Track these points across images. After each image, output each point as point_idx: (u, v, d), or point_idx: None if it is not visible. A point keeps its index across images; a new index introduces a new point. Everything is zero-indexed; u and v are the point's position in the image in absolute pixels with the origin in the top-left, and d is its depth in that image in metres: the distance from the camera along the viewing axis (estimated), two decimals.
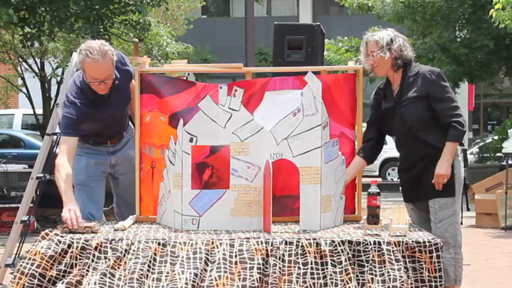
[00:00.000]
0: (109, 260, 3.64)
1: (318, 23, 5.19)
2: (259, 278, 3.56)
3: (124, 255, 3.65)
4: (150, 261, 3.62)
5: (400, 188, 4.55)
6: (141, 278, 3.55)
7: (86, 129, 4.34)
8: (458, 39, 15.05)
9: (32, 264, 3.64)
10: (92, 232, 3.82)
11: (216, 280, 3.55)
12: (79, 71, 4.39)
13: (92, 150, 4.52)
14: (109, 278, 3.58)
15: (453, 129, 4.22)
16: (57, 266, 3.66)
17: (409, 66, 4.34)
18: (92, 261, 3.66)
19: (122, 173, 4.63)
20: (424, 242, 3.72)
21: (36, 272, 3.62)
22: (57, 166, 4.16)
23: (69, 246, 3.68)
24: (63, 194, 4.05)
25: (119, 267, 3.63)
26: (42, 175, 5.65)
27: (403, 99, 4.30)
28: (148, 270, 3.60)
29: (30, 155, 13.58)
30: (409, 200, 4.48)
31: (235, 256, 3.62)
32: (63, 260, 3.67)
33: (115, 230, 3.92)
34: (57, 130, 5.77)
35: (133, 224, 4.14)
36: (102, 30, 10.48)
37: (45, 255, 3.64)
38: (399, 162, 4.54)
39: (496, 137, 15.68)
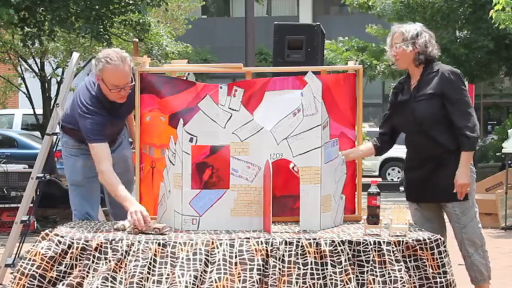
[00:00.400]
0: (109, 261, 3.64)
1: (318, 23, 5.19)
2: (259, 279, 3.56)
3: (124, 257, 3.64)
4: (150, 263, 3.61)
5: (402, 188, 4.54)
6: (141, 281, 3.55)
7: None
8: (458, 40, 15.06)
9: (32, 265, 3.63)
10: (161, 234, 3.80)
11: (216, 282, 3.54)
12: (88, 79, 4.37)
13: (88, 152, 4.50)
14: (111, 282, 3.58)
15: (465, 139, 4.17)
16: (57, 267, 3.65)
17: (431, 64, 4.31)
18: (93, 262, 3.66)
19: (116, 173, 4.60)
20: (424, 240, 3.72)
21: (37, 273, 3.62)
22: (104, 174, 4.16)
23: (69, 246, 3.68)
24: (124, 199, 4.07)
25: (120, 270, 3.63)
26: (42, 175, 5.66)
27: (418, 95, 4.27)
28: (148, 273, 3.59)
29: (23, 155, 13.57)
30: (415, 199, 4.43)
31: (235, 257, 3.62)
32: (63, 261, 3.67)
33: (115, 230, 3.91)
34: (57, 130, 5.77)
35: None
36: (102, 30, 10.49)
37: (46, 256, 3.64)
38: (406, 160, 4.50)
39: (496, 137, 15.67)
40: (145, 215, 3.90)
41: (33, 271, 3.62)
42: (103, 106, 4.26)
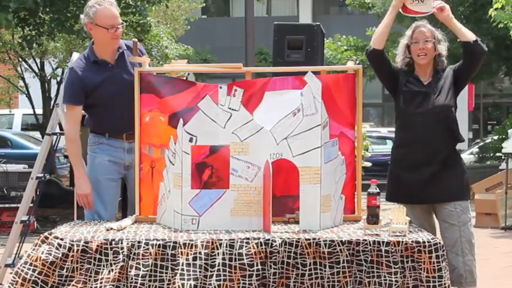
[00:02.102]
0: (111, 264, 3.65)
1: (318, 23, 5.20)
2: (258, 284, 3.59)
3: (126, 262, 3.65)
4: (151, 270, 3.63)
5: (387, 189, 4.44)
6: None
7: (97, 102, 4.47)
8: (458, 39, 15.02)
9: (34, 271, 3.64)
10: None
11: None
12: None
13: (107, 147, 4.54)
14: None
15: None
16: (58, 271, 3.66)
17: (440, 66, 4.47)
18: (94, 265, 3.67)
19: (131, 178, 4.53)
20: (424, 242, 3.71)
21: (39, 278, 3.63)
22: (68, 138, 4.51)
23: (69, 249, 3.67)
24: (77, 169, 4.49)
25: (122, 278, 3.64)
26: (42, 175, 5.66)
27: (437, 87, 4.34)
28: (150, 280, 3.63)
29: (17, 155, 13.58)
30: (410, 201, 4.32)
31: (235, 260, 3.63)
32: (64, 265, 3.67)
33: (110, 229, 3.90)
34: (57, 130, 5.78)
35: (132, 224, 4.14)
36: None
37: (47, 262, 3.64)
38: (400, 159, 4.37)
39: (495, 137, 15.66)
40: (90, 200, 4.43)
41: (35, 277, 3.63)
42: (88, 61, 4.50)
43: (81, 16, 4.55)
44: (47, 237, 3.73)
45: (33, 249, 3.71)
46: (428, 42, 4.36)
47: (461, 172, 4.35)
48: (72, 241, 3.69)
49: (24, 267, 3.66)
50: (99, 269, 3.66)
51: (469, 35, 4.37)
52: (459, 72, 4.41)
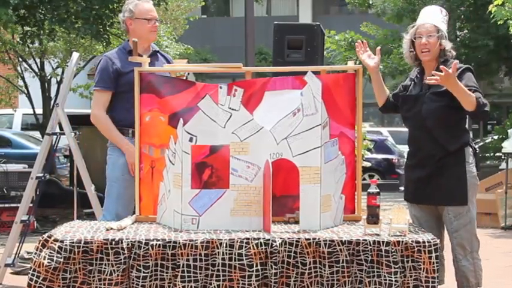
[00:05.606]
0: (112, 265, 3.65)
1: (318, 23, 5.21)
2: (259, 284, 3.60)
3: (128, 263, 3.65)
4: (152, 271, 3.64)
5: (402, 188, 4.52)
6: None
7: (122, 89, 4.61)
8: (458, 39, 15.06)
9: (38, 277, 3.65)
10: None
11: None
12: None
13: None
14: None
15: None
16: (62, 274, 3.66)
17: (447, 61, 4.26)
18: (96, 265, 3.67)
19: None
20: (423, 242, 3.71)
21: (44, 285, 3.64)
22: (98, 118, 4.68)
23: (70, 251, 3.67)
24: (120, 142, 4.64)
25: (125, 279, 3.66)
26: (42, 175, 5.66)
27: (430, 89, 4.22)
28: (151, 281, 3.64)
29: (17, 155, 13.58)
30: (413, 200, 4.39)
31: (235, 260, 3.63)
32: (67, 268, 3.67)
33: (110, 229, 3.90)
34: (57, 130, 5.78)
35: (132, 223, 4.14)
36: (101, 30, 10.50)
37: (50, 268, 3.65)
38: (407, 158, 4.46)
39: (495, 137, 15.66)
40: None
41: (40, 283, 3.64)
42: (123, 52, 4.73)
43: (119, 15, 4.85)
44: (46, 241, 3.72)
45: (35, 253, 3.72)
46: (431, 37, 4.24)
47: (458, 176, 4.20)
48: (73, 243, 3.68)
49: (29, 273, 3.68)
50: (101, 267, 3.66)
51: (470, 102, 4.05)
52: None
